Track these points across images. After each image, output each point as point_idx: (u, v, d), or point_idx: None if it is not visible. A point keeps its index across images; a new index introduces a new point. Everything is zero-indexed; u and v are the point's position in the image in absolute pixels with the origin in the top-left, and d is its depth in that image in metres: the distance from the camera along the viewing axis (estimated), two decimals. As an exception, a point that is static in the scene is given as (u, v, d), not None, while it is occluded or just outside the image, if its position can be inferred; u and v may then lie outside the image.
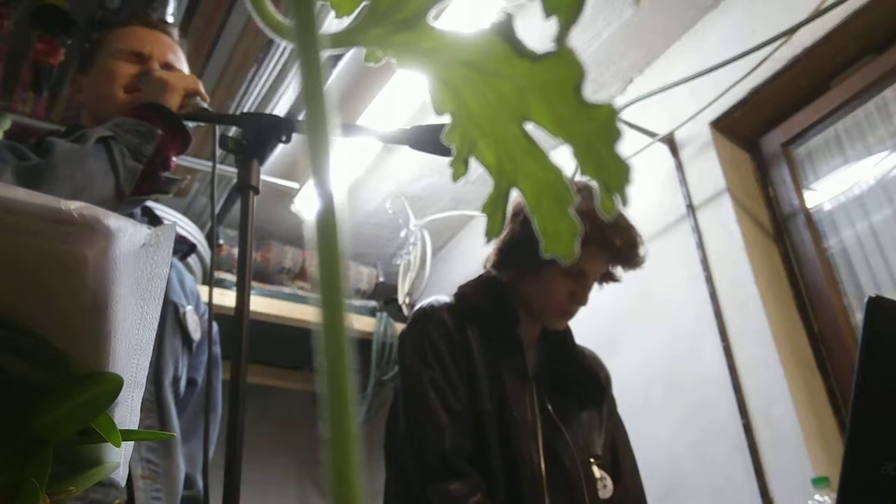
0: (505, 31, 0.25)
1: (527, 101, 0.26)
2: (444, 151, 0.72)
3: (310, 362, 3.20)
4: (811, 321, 1.93)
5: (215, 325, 1.35)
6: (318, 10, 0.23)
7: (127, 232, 0.37)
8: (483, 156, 0.28)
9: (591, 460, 1.33)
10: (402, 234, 2.98)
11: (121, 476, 0.46)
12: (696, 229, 2.08)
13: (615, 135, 0.25)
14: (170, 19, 1.98)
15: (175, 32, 1.36)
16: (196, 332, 1.25)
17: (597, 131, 0.25)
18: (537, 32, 0.29)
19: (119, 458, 0.45)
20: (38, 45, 1.98)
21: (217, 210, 2.57)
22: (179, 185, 1.18)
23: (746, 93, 2.03)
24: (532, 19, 0.32)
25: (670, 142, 2.22)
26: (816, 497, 1.35)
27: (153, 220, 1.29)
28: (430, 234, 2.97)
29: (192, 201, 2.81)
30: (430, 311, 1.37)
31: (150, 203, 1.30)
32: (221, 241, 2.89)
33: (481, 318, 1.37)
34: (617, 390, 1.53)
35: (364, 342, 3.03)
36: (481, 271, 1.48)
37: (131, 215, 1.18)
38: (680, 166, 2.19)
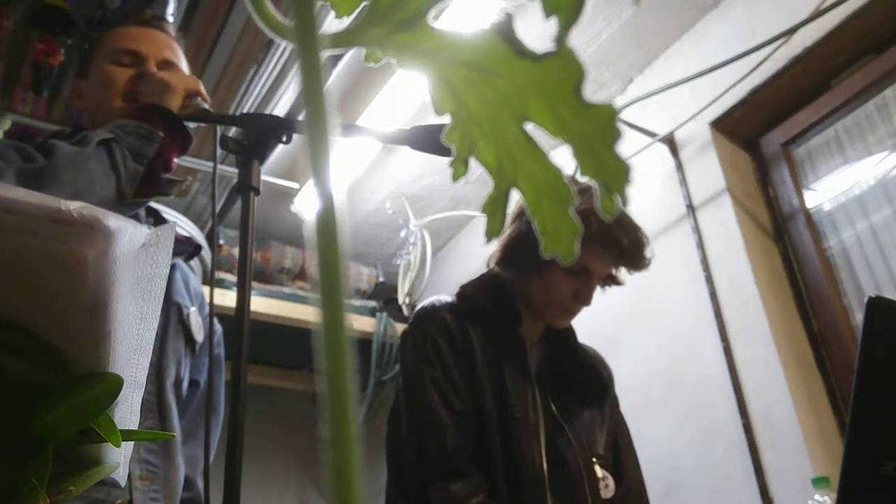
0: (505, 31, 0.25)
1: (527, 101, 0.26)
2: (444, 151, 0.72)
3: (310, 362, 3.20)
4: (811, 321, 1.93)
5: (219, 327, 1.35)
6: (318, 10, 0.23)
7: (127, 232, 0.37)
8: (483, 156, 0.28)
9: (594, 460, 1.33)
10: (402, 234, 2.98)
11: (121, 476, 0.46)
12: (696, 229, 2.08)
13: (615, 135, 0.25)
14: (170, 19, 1.98)
15: (171, 28, 1.35)
16: (199, 334, 1.25)
17: (597, 131, 0.25)
18: (537, 32, 0.29)
19: (119, 458, 0.45)
20: (38, 45, 1.99)
21: (217, 210, 2.57)
22: (181, 186, 1.18)
23: (746, 93, 2.03)
24: (532, 19, 0.32)
25: (670, 142, 2.22)
26: (816, 497, 1.35)
27: (159, 221, 1.29)
28: (430, 234, 2.97)
29: (193, 201, 2.81)
30: (432, 310, 1.37)
31: (156, 205, 1.30)
32: (221, 242, 2.90)
33: (483, 317, 1.37)
34: (617, 390, 1.52)
35: (364, 342, 3.03)
36: (482, 271, 1.48)
37: (135, 217, 1.18)
38: (680, 166, 2.19)
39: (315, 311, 0.19)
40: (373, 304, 3.20)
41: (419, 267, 2.96)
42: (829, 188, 2.01)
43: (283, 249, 3.14)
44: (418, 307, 1.41)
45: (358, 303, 3.19)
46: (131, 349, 0.42)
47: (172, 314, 1.22)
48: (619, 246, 1.33)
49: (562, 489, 1.26)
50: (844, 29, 1.83)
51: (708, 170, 2.10)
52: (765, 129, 2.14)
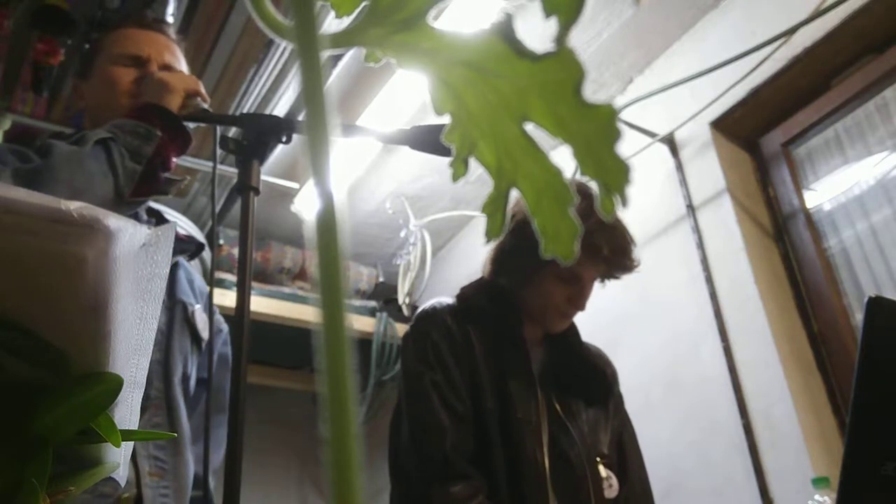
0: (505, 31, 0.25)
1: (527, 101, 0.26)
2: (444, 151, 0.72)
3: (310, 362, 3.20)
4: (811, 321, 1.93)
5: (224, 326, 1.36)
6: (318, 10, 0.23)
7: (127, 232, 0.37)
8: (483, 156, 0.28)
9: (598, 459, 1.33)
10: (402, 234, 2.98)
11: (121, 476, 0.46)
12: (696, 229, 2.08)
13: (615, 135, 0.25)
14: (170, 19, 1.98)
15: (171, 31, 1.35)
16: (205, 331, 1.25)
17: (597, 131, 0.25)
18: (537, 32, 0.29)
19: (119, 458, 0.45)
20: (38, 45, 1.99)
21: (217, 210, 2.57)
22: (179, 185, 1.18)
23: (746, 93, 2.03)
24: (532, 19, 0.32)
25: (670, 142, 2.22)
26: (816, 497, 1.35)
27: (160, 222, 1.29)
28: (430, 234, 2.96)
29: (192, 201, 2.81)
30: (433, 312, 1.37)
31: (157, 206, 1.30)
32: (221, 242, 2.90)
33: (484, 319, 1.37)
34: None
35: (364, 342, 3.03)
36: (482, 275, 1.48)
37: (136, 217, 1.18)
38: (680, 166, 2.19)
39: (315, 311, 0.19)
40: (373, 304, 3.20)
41: (419, 267, 2.96)
42: (829, 188, 2.01)
43: (283, 249, 3.14)
44: (419, 309, 1.41)
45: (358, 303, 3.19)
46: (131, 349, 0.42)
47: (177, 312, 1.22)
48: (600, 254, 1.31)
49: (565, 489, 1.26)
50: (844, 29, 1.83)
51: (708, 170, 2.10)
52: (765, 129, 2.14)
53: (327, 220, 0.20)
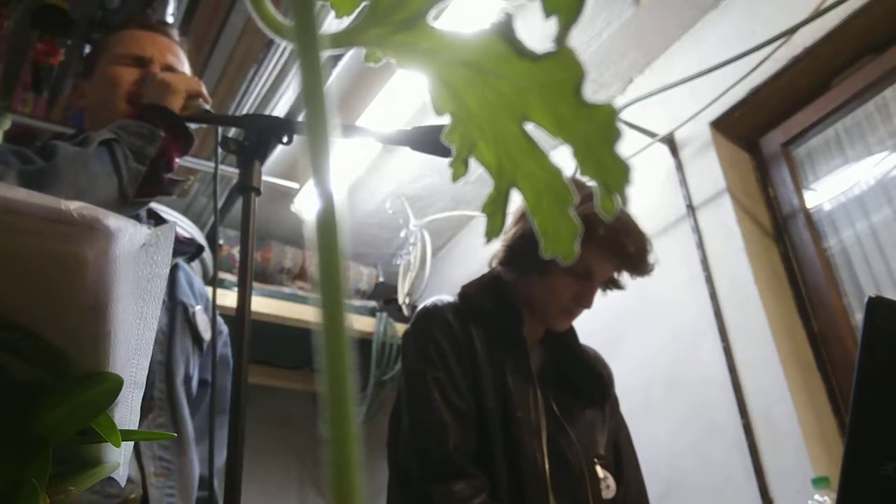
0: (505, 31, 0.25)
1: (527, 101, 0.26)
2: (444, 152, 0.72)
3: (310, 362, 3.21)
4: (811, 321, 1.93)
5: (225, 327, 1.36)
6: (318, 10, 0.23)
7: (127, 232, 0.37)
8: (483, 156, 0.28)
9: (595, 460, 1.33)
10: (402, 234, 2.98)
11: (121, 476, 0.46)
12: (696, 229, 2.08)
13: (615, 135, 0.25)
14: (169, 19, 1.98)
15: (174, 33, 1.36)
16: (206, 332, 1.26)
17: (597, 131, 0.25)
18: (537, 32, 0.29)
19: (119, 458, 0.45)
20: (38, 45, 1.99)
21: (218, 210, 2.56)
22: (183, 186, 1.18)
23: (746, 93, 2.03)
24: (532, 19, 0.32)
25: (670, 142, 2.22)
26: (816, 497, 1.35)
27: (159, 223, 1.29)
28: (430, 234, 2.96)
29: (193, 201, 2.81)
30: (434, 310, 1.37)
31: (156, 207, 1.30)
32: (222, 242, 2.90)
33: (485, 317, 1.37)
34: (617, 391, 1.52)
35: (364, 342, 3.03)
36: (482, 271, 1.48)
37: (136, 217, 1.19)
38: (680, 166, 2.19)
39: (315, 311, 0.19)
40: (373, 304, 3.20)
41: (419, 267, 2.96)
42: (829, 188, 2.01)
43: (283, 249, 3.14)
44: (420, 307, 1.41)
45: (358, 303, 3.19)
46: (131, 349, 0.42)
47: (178, 313, 1.22)
48: (624, 252, 1.33)
49: (564, 489, 1.26)
50: (844, 29, 1.83)
51: (708, 170, 2.10)
52: (765, 129, 2.14)
53: (327, 220, 0.20)
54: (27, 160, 0.98)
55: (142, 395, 0.45)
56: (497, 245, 1.43)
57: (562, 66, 0.24)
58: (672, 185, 2.19)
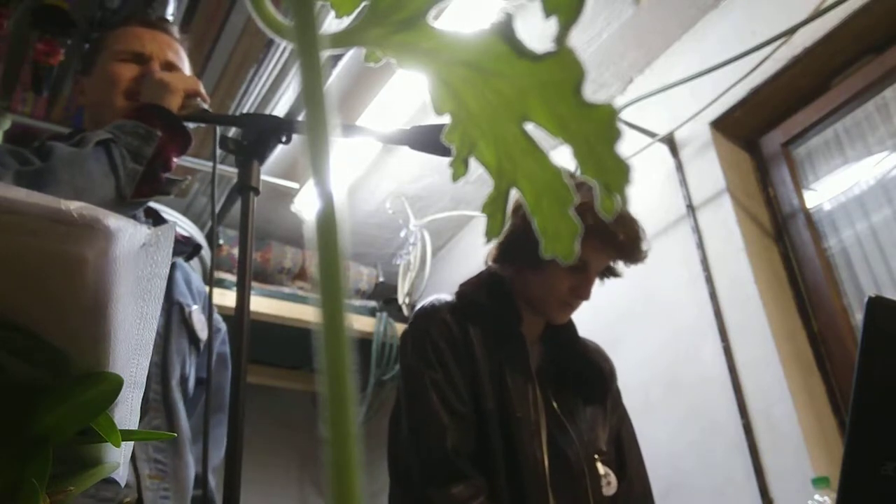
0: (505, 31, 0.25)
1: (527, 101, 0.26)
2: (444, 151, 0.72)
3: (310, 362, 3.20)
4: (811, 321, 1.93)
5: (223, 325, 1.36)
6: (318, 10, 0.23)
7: (127, 232, 0.37)
8: (483, 156, 0.28)
9: (595, 457, 1.33)
10: (402, 234, 2.98)
11: (121, 476, 0.46)
12: (696, 229, 2.08)
13: (615, 135, 0.25)
14: (170, 19, 1.98)
15: (175, 30, 1.36)
16: (203, 332, 1.25)
17: (597, 131, 0.25)
18: (537, 32, 0.29)
19: (119, 458, 0.45)
20: (38, 45, 1.98)
21: (217, 210, 2.57)
22: (180, 185, 1.18)
23: (746, 93, 2.03)
24: (532, 19, 0.32)
25: (670, 142, 2.22)
26: (816, 497, 1.35)
27: (158, 221, 1.29)
28: (430, 234, 2.96)
29: (192, 201, 2.81)
30: (432, 310, 1.37)
31: (155, 206, 1.30)
32: (221, 242, 2.90)
33: (483, 316, 1.36)
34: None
35: (364, 342, 3.03)
36: (483, 269, 1.47)
37: (134, 217, 1.18)
38: (680, 166, 2.19)
39: (315, 311, 0.19)
40: (373, 304, 3.20)
41: (419, 267, 2.96)
42: (829, 188, 2.01)
43: (283, 249, 3.14)
44: (418, 307, 1.41)
45: (358, 303, 3.19)
46: (131, 349, 0.42)
47: (174, 313, 1.22)
48: (616, 240, 1.32)
49: (564, 488, 1.26)
50: (844, 29, 1.83)
51: (708, 170, 2.10)
52: (765, 129, 2.14)
53: (327, 220, 0.20)
54: (24, 161, 0.98)
55: (142, 394, 0.45)
56: (493, 243, 1.43)
57: (562, 66, 0.24)
58: (672, 185, 2.19)
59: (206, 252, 2.37)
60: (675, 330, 2.07)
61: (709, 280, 2.01)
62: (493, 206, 0.29)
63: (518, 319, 1.38)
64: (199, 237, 2.43)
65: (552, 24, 0.24)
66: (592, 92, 2.42)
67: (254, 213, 0.99)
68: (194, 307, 1.26)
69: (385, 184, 2.83)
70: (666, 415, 2.01)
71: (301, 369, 3.38)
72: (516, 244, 1.35)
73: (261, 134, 1.02)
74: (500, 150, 0.28)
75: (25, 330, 0.37)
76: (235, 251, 2.89)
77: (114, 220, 0.36)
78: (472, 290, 1.41)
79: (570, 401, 1.37)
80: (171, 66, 1.28)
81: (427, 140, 1.00)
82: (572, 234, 0.27)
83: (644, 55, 2.31)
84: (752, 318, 1.89)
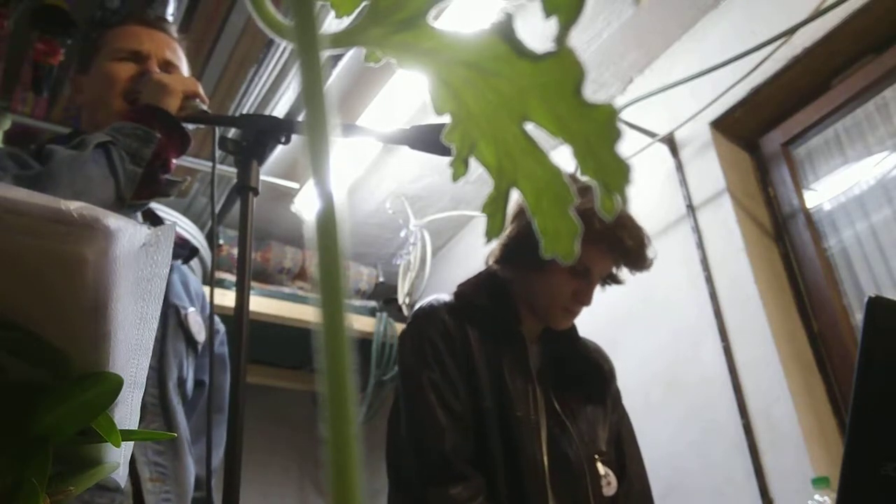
0: (505, 31, 0.25)
1: (527, 101, 0.26)
2: (444, 151, 0.72)
3: (310, 362, 3.21)
4: (811, 321, 1.93)
5: (222, 326, 1.35)
6: (318, 10, 0.23)
7: (127, 232, 0.37)
8: (483, 156, 0.28)
9: (595, 457, 1.32)
10: (402, 234, 2.98)
11: (121, 476, 0.46)
12: (696, 229, 2.08)
13: (615, 135, 0.25)
14: (169, 19, 1.98)
15: (173, 29, 1.35)
16: (200, 334, 1.25)
17: (597, 131, 0.25)
18: (537, 32, 0.29)
19: (119, 458, 0.45)
20: (38, 45, 1.98)
21: (217, 210, 2.57)
22: (180, 186, 1.18)
23: (746, 93, 2.03)
24: (532, 19, 0.32)
25: (670, 142, 2.22)
26: (816, 497, 1.35)
27: (156, 223, 1.29)
28: (430, 234, 2.96)
29: (192, 202, 2.81)
30: (430, 310, 1.37)
31: (152, 206, 1.30)
32: (221, 242, 2.90)
33: (482, 316, 1.36)
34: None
35: (364, 342, 3.03)
36: (482, 269, 1.47)
37: (133, 219, 1.18)
38: (680, 166, 2.19)
39: (315, 311, 0.19)
40: (373, 304, 3.20)
41: (419, 267, 2.96)
42: (829, 188, 2.01)
43: (283, 249, 3.14)
44: (416, 307, 1.41)
45: (358, 303, 3.19)
46: (131, 349, 0.42)
47: (170, 316, 1.21)
48: (622, 246, 1.32)
49: (563, 488, 1.26)
50: (844, 29, 1.83)
51: (708, 170, 2.10)
52: (765, 129, 2.14)
53: (327, 220, 0.20)
54: (23, 164, 0.98)
55: (142, 394, 0.45)
56: (494, 243, 1.43)
57: (562, 66, 0.24)
58: (672, 185, 2.19)
59: (205, 252, 2.37)
60: (675, 330, 2.07)
61: (709, 280, 2.01)
62: (493, 206, 0.29)
63: (517, 319, 1.38)
64: (199, 237, 2.43)
65: (552, 24, 0.24)
66: (592, 92, 2.42)
67: (253, 213, 0.99)
68: (191, 309, 1.26)
69: (385, 184, 2.83)
70: (666, 415, 2.01)
71: (301, 369, 3.38)
72: (520, 246, 1.35)
73: (260, 134, 1.02)
74: (500, 150, 0.28)
75: (25, 330, 0.37)
76: (235, 251, 2.89)
77: (114, 220, 0.36)
78: (471, 291, 1.41)
79: (571, 400, 1.37)
80: (168, 66, 1.28)
81: (427, 140, 1.00)
82: (572, 234, 0.27)
83: (644, 55, 2.31)
84: (752, 318, 1.89)
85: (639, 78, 2.38)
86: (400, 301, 3.01)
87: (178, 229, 1.11)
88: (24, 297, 0.37)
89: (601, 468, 1.32)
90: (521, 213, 1.36)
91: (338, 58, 2.10)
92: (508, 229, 1.38)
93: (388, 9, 0.27)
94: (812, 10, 1.79)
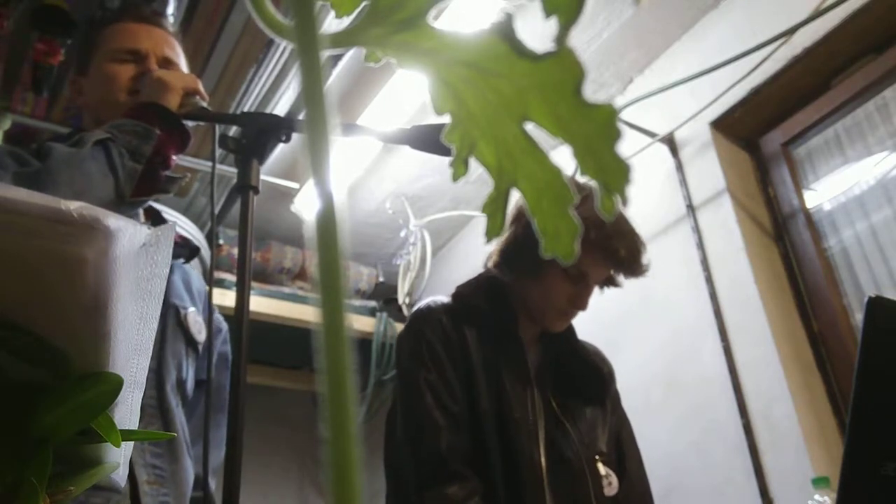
0: (505, 31, 0.25)
1: (527, 101, 0.26)
2: (444, 151, 0.72)
3: (310, 362, 3.20)
4: (811, 321, 1.93)
5: (224, 325, 1.35)
6: (318, 10, 0.23)
7: (127, 232, 0.37)
8: (483, 156, 0.28)
9: (596, 457, 1.33)
10: (402, 234, 2.98)
11: (121, 476, 0.46)
12: (696, 229, 2.08)
13: (615, 135, 0.25)
14: (170, 19, 1.98)
15: (168, 23, 1.34)
16: (200, 334, 1.24)
17: (597, 131, 0.25)
18: (537, 32, 0.29)
19: (119, 458, 0.45)
20: (38, 45, 1.99)
21: (217, 210, 2.57)
22: (180, 183, 1.17)
23: (746, 93, 2.03)
24: (532, 19, 0.32)
25: (670, 142, 2.22)
26: (816, 497, 1.35)
27: (158, 222, 1.28)
28: (430, 234, 2.96)
29: (192, 201, 2.81)
30: (428, 312, 1.37)
31: (155, 206, 1.29)
32: (221, 241, 2.90)
33: (480, 317, 1.36)
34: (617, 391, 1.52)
35: (364, 342, 3.03)
36: (481, 271, 1.47)
37: (134, 217, 1.18)
38: (680, 166, 2.19)
39: (315, 311, 0.19)
40: (373, 304, 3.20)
41: (419, 267, 2.96)
42: (829, 188, 2.01)
43: (283, 249, 3.14)
44: (414, 308, 1.41)
45: (358, 303, 3.19)
46: (131, 349, 0.42)
47: (170, 316, 1.20)
48: (617, 256, 1.32)
49: (563, 489, 1.26)
50: (844, 29, 1.83)
51: (708, 170, 2.10)
52: (765, 129, 2.14)
53: (327, 220, 0.20)
54: (23, 162, 0.97)
55: (142, 394, 0.45)
56: (492, 246, 1.43)
57: (562, 66, 0.24)
58: (672, 185, 2.19)
59: (205, 252, 2.37)
60: (675, 330, 2.07)
61: (709, 280, 2.01)
62: (493, 206, 0.29)
63: (515, 321, 1.38)
64: (199, 237, 2.43)
65: (552, 24, 0.24)
66: (592, 92, 2.42)
67: (254, 213, 0.99)
68: (190, 309, 1.25)
69: (385, 184, 2.83)
70: (666, 415, 2.01)
71: (301, 369, 3.38)
72: (518, 251, 1.35)
73: (260, 132, 1.02)
74: (500, 150, 0.28)
75: (25, 330, 0.37)
76: (235, 251, 2.89)
77: (114, 220, 0.36)
78: (469, 293, 1.41)
79: (570, 402, 1.37)
80: (167, 62, 1.27)
81: (427, 140, 1.00)
82: (572, 234, 0.27)
83: (644, 55, 2.31)
84: (752, 318, 1.89)
85: (639, 78, 2.38)
86: (400, 301, 3.01)
87: (177, 229, 1.11)
88: (24, 297, 0.37)
89: (602, 468, 1.32)
90: (518, 217, 1.36)
91: (338, 58, 2.10)
92: (506, 234, 1.38)
93: (388, 9, 0.27)
94: (812, 10, 1.79)
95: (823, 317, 1.91)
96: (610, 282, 1.42)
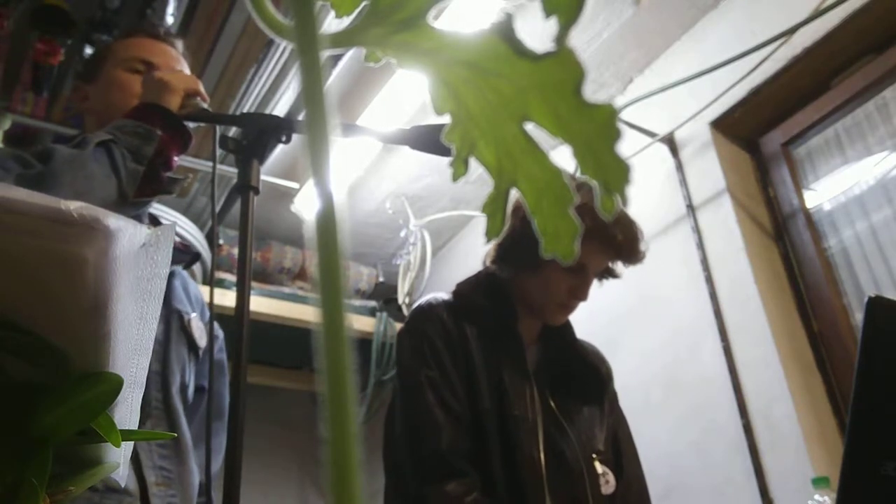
0: (505, 31, 0.25)
1: (527, 101, 0.26)
2: (444, 151, 0.72)
3: (310, 362, 3.20)
4: (811, 321, 1.93)
5: (220, 332, 1.35)
6: (318, 10, 0.23)
7: (127, 232, 0.37)
8: (483, 156, 0.28)
9: (593, 456, 1.33)
10: (402, 234, 2.98)
11: (121, 476, 0.46)
12: (696, 229, 2.08)
13: (615, 135, 0.25)
14: (169, 20, 1.98)
15: (180, 45, 1.37)
16: (202, 339, 1.25)
17: (597, 131, 0.25)
18: (537, 32, 0.29)
19: (119, 458, 0.45)
20: (38, 45, 1.99)
21: (217, 210, 2.57)
22: (182, 184, 1.18)
23: (746, 93, 2.03)
24: (532, 19, 0.32)
25: (670, 142, 2.22)
26: (816, 497, 1.35)
27: (155, 224, 1.29)
28: (430, 234, 2.96)
29: (192, 201, 2.81)
30: (428, 309, 1.37)
31: (155, 211, 1.30)
32: (221, 241, 2.90)
33: (480, 315, 1.37)
34: (617, 391, 1.52)
35: (364, 342, 3.03)
36: (479, 271, 1.48)
37: (138, 219, 1.18)
38: (680, 166, 2.19)
39: (315, 311, 0.19)
40: (373, 304, 3.20)
41: (419, 267, 2.96)
42: (829, 188, 2.01)
43: (283, 249, 3.14)
44: (415, 306, 1.41)
45: (358, 303, 3.19)
46: (131, 349, 0.42)
47: (174, 321, 1.22)
48: (614, 242, 1.33)
49: (561, 487, 1.26)
50: (844, 29, 1.83)
51: (708, 170, 2.10)
52: (765, 129, 2.14)
53: (327, 220, 0.20)
54: (26, 164, 0.98)
55: (142, 394, 0.45)
56: (490, 243, 1.43)
57: (562, 66, 0.24)
58: (672, 185, 2.19)
59: (206, 253, 2.37)
60: (675, 330, 2.07)
61: (709, 280, 2.01)
62: (493, 206, 0.29)
63: (515, 319, 1.39)
64: (200, 237, 2.43)
65: (552, 24, 0.24)
66: (592, 92, 2.42)
67: (254, 213, 0.99)
68: (193, 315, 1.26)
69: (385, 184, 2.83)
70: (666, 415, 2.01)
71: (301, 369, 3.38)
72: (515, 246, 1.35)
73: (261, 133, 1.02)
74: (500, 150, 0.28)
75: (25, 330, 0.37)
76: (235, 251, 2.88)
77: (114, 220, 0.36)
78: (469, 290, 1.41)
79: (568, 401, 1.37)
80: None
81: (427, 140, 1.00)
82: (572, 234, 0.27)
83: (644, 55, 2.31)
84: (752, 318, 1.89)
85: (639, 78, 2.38)
86: (400, 301, 3.01)
87: (179, 232, 1.11)
88: (24, 297, 0.37)
89: (599, 467, 1.32)
90: (515, 213, 1.36)
91: (338, 58, 2.10)
92: (504, 229, 1.38)
93: (388, 9, 0.27)
94: (812, 10, 1.79)
95: (823, 317, 1.91)
96: (609, 273, 1.42)
